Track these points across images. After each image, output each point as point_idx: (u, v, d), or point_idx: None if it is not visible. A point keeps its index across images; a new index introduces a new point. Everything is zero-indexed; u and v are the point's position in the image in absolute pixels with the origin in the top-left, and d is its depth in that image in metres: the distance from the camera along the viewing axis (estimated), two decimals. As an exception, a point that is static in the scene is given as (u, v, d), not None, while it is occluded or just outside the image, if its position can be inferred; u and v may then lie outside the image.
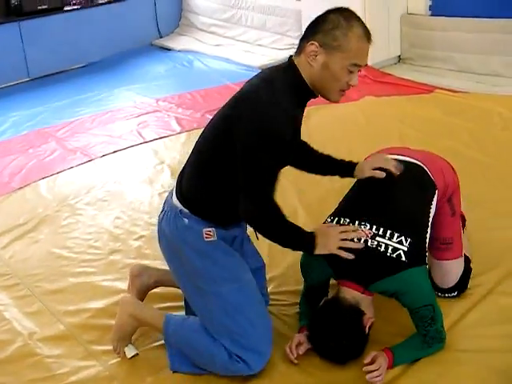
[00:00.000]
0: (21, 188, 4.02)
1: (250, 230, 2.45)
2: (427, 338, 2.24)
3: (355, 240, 2.20)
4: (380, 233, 2.23)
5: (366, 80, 5.48)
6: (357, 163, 2.47)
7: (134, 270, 2.70)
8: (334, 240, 2.18)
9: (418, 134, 4.25)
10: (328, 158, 2.53)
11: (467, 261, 2.60)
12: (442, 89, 5.13)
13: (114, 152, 4.46)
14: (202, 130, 2.34)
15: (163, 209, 2.40)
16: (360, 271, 2.21)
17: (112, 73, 6.50)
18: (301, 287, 2.60)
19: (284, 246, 2.27)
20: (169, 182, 3.92)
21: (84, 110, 5.38)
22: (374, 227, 2.24)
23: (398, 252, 2.19)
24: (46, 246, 3.33)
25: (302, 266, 2.43)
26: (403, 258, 2.18)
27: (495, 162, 3.78)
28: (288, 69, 2.18)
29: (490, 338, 2.40)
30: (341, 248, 2.17)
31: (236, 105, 2.16)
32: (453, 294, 2.54)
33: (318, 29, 2.11)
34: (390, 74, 5.66)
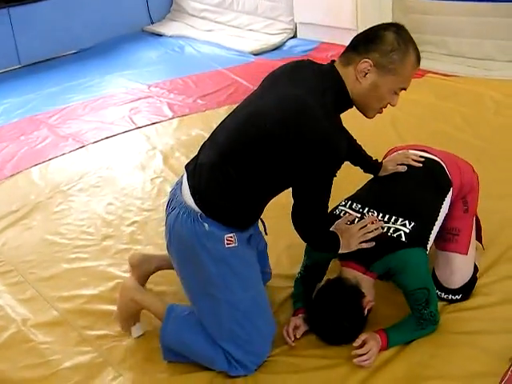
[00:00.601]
0: (13, 175, 4.01)
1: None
2: (421, 320, 2.26)
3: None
4: (385, 219, 2.31)
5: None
6: (381, 163, 2.55)
7: (134, 261, 2.68)
8: (355, 238, 2.26)
9: (411, 118, 4.25)
10: (359, 150, 2.58)
11: (475, 270, 2.58)
12: (434, 73, 5.12)
13: (106, 138, 4.45)
14: (221, 129, 2.26)
15: (173, 207, 2.25)
16: (361, 251, 2.26)
17: (103, 59, 6.45)
18: (295, 271, 2.61)
19: (314, 247, 2.36)
20: (161, 167, 3.92)
21: (76, 96, 5.35)
22: (381, 214, 2.32)
23: (398, 232, 2.25)
24: (38, 233, 3.32)
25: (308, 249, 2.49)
26: (403, 238, 2.24)
27: (488, 146, 3.78)
28: (334, 81, 2.10)
29: (481, 320, 2.41)
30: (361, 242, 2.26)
31: (286, 121, 2.02)
32: (456, 297, 2.51)
33: (374, 47, 2.06)
34: (382, 59, 5.64)
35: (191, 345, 2.28)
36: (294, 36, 6.39)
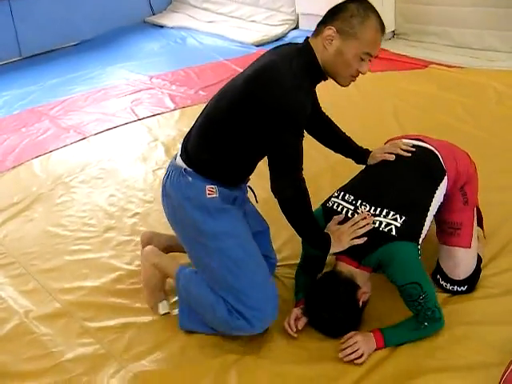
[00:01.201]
0: (14, 167, 4.00)
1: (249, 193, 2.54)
2: (419, 318, 2.24)
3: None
4: (377, 212, 2.29)
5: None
6: (371, 152, 2.57)
7: (144, 238, 2.78)
8: (346, 235, 2.27)
9: (413, 110, 4.24)
10: (347, 140, 2.64)
11: (478, 261, 2.58)
12: (436, 64, 5.11)
13: (108, 130, 4.44)
14: (213, 97, 2.38)
15: (167, 172, 2.42)
16: (353, 246, 2.26)
17: (105, 50, 6.45)
18: (296, 262, 2.61)
19: (303, 235, 2.36)
20: (163, 159, 3.91)
21: (77, 88, 5.35)
22: (373, 208, 2.31)
23: (389, 227, 2.25)
24: (40, 225, 3.32)
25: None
26: (393, 232, 2.23)
27: (490, 137, 3.78)
28: (304, 50, 2.26)
29: (484, 312, 2.41)
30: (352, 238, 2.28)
31: (257, 80, 2.18)
32: (462, 289, 2.50)
33: (336, 16, 2.21)
34: (384, 50, 5.61)
35: (196, 295, 2.35)
36: (296, 27, 6.39)
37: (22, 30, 6.33)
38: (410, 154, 2.46)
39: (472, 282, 2.51)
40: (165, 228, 3.11)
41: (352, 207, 2.34)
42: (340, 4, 2.25)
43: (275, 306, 2.31)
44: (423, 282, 2.22)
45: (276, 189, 2.22)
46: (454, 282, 2.50)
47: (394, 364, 2.20)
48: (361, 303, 2.27)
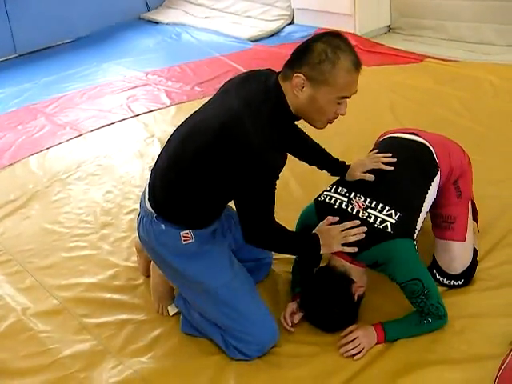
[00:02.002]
0: (11, 164, 4.00)
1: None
2: (423, 314, 2.23)
3: (349, 210, 2.27)
4: (372, 205, 2.26)
5: (356, 50, 5.42)
6: (348, 166, 2.46)
7: (138, 245, 2.70)
8: (336, 240, 2.22)
9: (409, 103, 4.24)
10: (322, 154, 2.52)
11: (474, 254, 2.58)
12: (432, 58, 5.11)
13: (104, 126, 4.43)
14: (175, 134, 2.27)
15: (139, 215, 2.35)
16: (347, 243, 2.23)
17: (100, 47, 6.43)
18: (292, 256, 2.62)
19: (293, 254, 2.45)
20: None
21: (73, 85, 5.33)
22: (368, 200, 2.28)
23: (385, 224, 2.21)
24: (37, 222, 3.31)
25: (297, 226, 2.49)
26: (389, 229, 2.20)
27: (487, 130, 3.77)
28: (274, 95, 2.08)
29: (481, 305, 2.41)
30: (344, 244, 2.23)
31: (224, 138, 2.02)
32: (459, 283, 2.50)
33: (304, 60, 2.02)
34: (380, 44, 5.63)
35: (197, 319, 2.34)
36: (292, 22, 6.36)
37: (17, 27, 6.31)
38: (392, 168, 2.38)
39: (468, 276, 2.51)
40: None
41: (345, 199, 2.31)
42: (307, 44, 2.05)
43: (273, 332, 2.30)
44: (424, 277, 2.21)
45: (250, 239, 2.18)
46: (450, 277, 2.50)
47: (393, 357, 2.20)
48: (356, 297, 2.27)
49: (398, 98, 4.34)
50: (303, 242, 2.27)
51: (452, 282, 2.50)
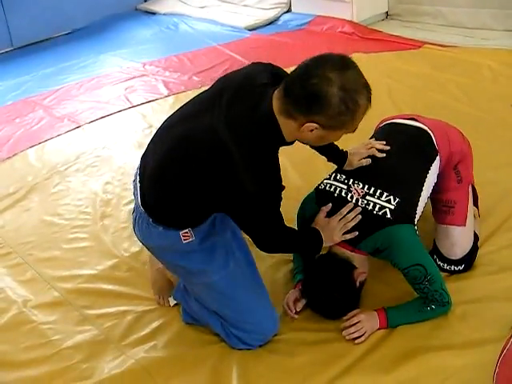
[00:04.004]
0: (9, 157, 3.98)
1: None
2: (427, 301, 2.23)
3: (349, 198, 2.27)
4: (371, 192, 2.26)
5: (353, 37, 5.46)
6: (347, 153, 2.41)
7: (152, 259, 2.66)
8: (336, 231, 2.23)
9: (408, 90, 4.23)
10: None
11: (475, 239, 2.58)
12: (430, 44, 5.09)
13: (102, 118, 4.41)
14: (167, 120, 2.23)
15: (134, 211, 2.30)
16: (347, 232, 2.24)
17: (97, 39, 6.40)
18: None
19: (298, 252, 2.49)
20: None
21: (70, 77, 5.30)
22: (366, 186, 2.27)
23: (384, 210, 2.21)
24: (37, 214, 3.31)
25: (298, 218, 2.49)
26: (388, 216, 2.19)
27: (486, 115, 3.77)
28: (266, 127, 1.95)
29: (482, 289, 2.42)
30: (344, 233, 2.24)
31: (209, 161, 1.94)
32: (459, 268, 2.49)
33: (318, 110, 1.86)
34: (377, 31, 5.61)
35: (197, 310, 2.35)
36: (289, 10, 6.33)
37: (13, 20, 6.27)
38: (384, 154, 2.37)
39: (469, 261, 2.51)
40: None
41: (345, 186, 2.31)
42: (318, 89, 1.84)
43: (274, 321, 2.30)
44: (426, 263, 2.20)
45: (263, 249, 2.18)
46: (450, 262, 2.49)
47: (394, 344, 2.21)
48: (358, 283, 2.27)
49: (397, 85, 4.32)
50: (306, 239, 2.27)
51: (453, 268, 2.49)
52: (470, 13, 5.38)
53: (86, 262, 2.87)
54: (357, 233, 2.22)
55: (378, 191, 2.25)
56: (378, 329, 2.25)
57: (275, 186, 2.01)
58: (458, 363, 2.10)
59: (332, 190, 2.32)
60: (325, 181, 2.39)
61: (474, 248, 2.54)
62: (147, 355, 2.30)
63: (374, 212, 2.21)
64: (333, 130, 1.94)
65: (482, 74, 4.40)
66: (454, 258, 2.49)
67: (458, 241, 2.50)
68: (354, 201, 2.25)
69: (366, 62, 4.85)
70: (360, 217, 2.21)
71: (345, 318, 2.26)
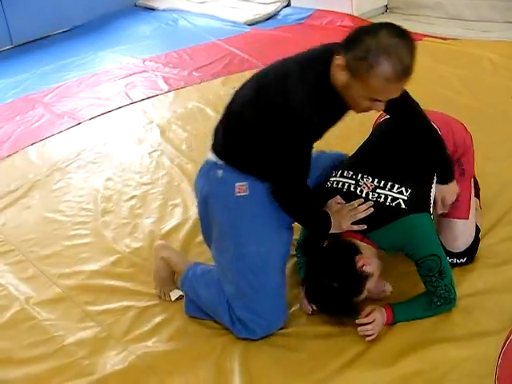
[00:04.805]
0: (10, 155, 3.98)
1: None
2: (435, 296, 2.22)
3: (358, 192, 2.26)
4: (381, 185, 2.25)
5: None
6: None
7: (158, 249, 2.66)
8: (346, 219, 2.21)
9: (408, 82, 4.20)
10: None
11: (477, 231, 2.58)
12: (431, 36, 5.08)
13: (102, 114, 4.41)
14: (244, 84, 2.28)
15: (201, 166, 2.39)
16: (358, 221, 2.21)
17: (97, 35, 6.39)
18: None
19: (300, 223, 2.36)
20: (158, 141, 3.91)
21: (70, 74, 5.30)
22: (376, 180, 2.26)
23: (397, 201, 2.20)
24: (38, 211, 3.31)
25: None
26: (403, 206, 2.19)
27: (486, 108, 3.76)
28: (319, 63, 2.07)
29: (484, 282, 2.42)
30: (353, 222, 2.22)
31: (277, 87, 2.07)
32: (461, 261, 2.49)
33: (352, 47, 1.95)
34: (378, 24, 5.59)
35: (203, 298, 2.35)
36: (288, 4, 6.32)
37: (13, 17, 6.26)
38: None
39: (471, 253, 2.51)
40: (161, 210, 3.13)
41: (353, 181, 2.28)
42: (365, 29, 1.98)
43: (283, 314, 2.31)
44: (442, 255, 2.20)
45: (275, 194, 2.20)
46: (452, 255, 2.49)
47: (397, 336, 2.21)
48: (361, 271, 2.17)
49: (397, 78, 4.31)
50: (316, 215, 2.25)
51: (455, 260, 2.49)
52: (470, 5, 5.38)
53: (88, 258, 2.87)
54: (365, 226, 2.20)
55: (389, 183, 2.24)
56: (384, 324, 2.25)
57: (314, 117, 2.04)
58: (460, 356, 2.11)
59: (340, 186, 2.30)
60: (331, 179, 2.36)
61: (476, 240, 2.54)
62: (149, 351, 2.30)
63: (387, 203, 2.20)
64: (353, 76, 1.95)
65: (482, 67, 4.40)
66: (456, 250, 2.49)
67: (460, 234, 2.49)
68: (363, 195, 2.24)
69: (366, 56, 4.86)
70: (372, 209, 2.20)
71: (363, 313, 2.21)
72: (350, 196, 2.26)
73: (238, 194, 2.20)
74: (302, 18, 5.96)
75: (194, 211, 2.83)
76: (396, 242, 2.22)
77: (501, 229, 2.70)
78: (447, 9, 5.52)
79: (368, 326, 2.18)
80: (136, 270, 2.74)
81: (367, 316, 2.20)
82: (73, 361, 2.30)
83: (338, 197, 2.28)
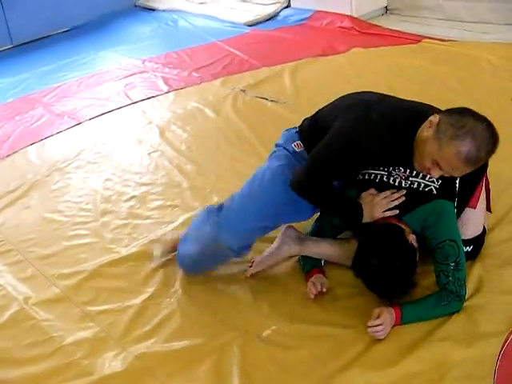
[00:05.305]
0: (9, 155, 3.98)
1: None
2: (445, 290, 2.23)
3: (391, 181, 2.38)
4: (413, 174, 2.37)
5: (353, 32, 5.45)
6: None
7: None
8: (379, 206, 2.34)
9: (408, 84, 4.22)
10: None
11: (483, 231, 2.59)
12: (430, 38, 5.09)
13: (102, 114, 4.42)
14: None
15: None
16: (394, 207, 2.32)
17: (97, 35, 6.41)
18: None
19: (334, 214, 2.49)
20: (158, 141, 3.90)
21: (70, 74, 5.31)
22: (408, 170, 2.38)
23: (429, 187, 2.34)
24: (37, 211, 3.31)
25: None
26: (434, 192, 2.32)
27: (485, 109, 3.70)
28: (416, 117, 2.26)
29: (486, 281, 2.43)
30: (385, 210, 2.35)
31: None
32: (467, 249, 2.49)
33: (453, 114, 2.14)
34: (377, 26, 5.61)
35: (190, 231, 2.63)
36: (288, 5, 6.34)
37: (13, 17, 6.27)
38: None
39: (477, 245, 2.53)
40: (160, 211, 3.13)
41: (385, 173, 2.39)
42: (469, 110, 2.17)
43: (234, 239, 2.47)
44: (460, 245, 2.27)
45: (293, 182, 2.37)
46: None
47: (398, 336, 2.22)
48: (412, 244, 2.25)
49: (396, 79, 4.32)
50: (347, 206, 2.38)
51: None
52: (469, 7, 5.38)
53: (87, 258, 2.86)
54: (397, 211, 2.31)
55: (421, 173, 2.34)
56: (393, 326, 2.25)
57: (370, 145, 2.24)
58: (460, 356, 2.11)
59: (372, 177, 2.41)
60: (362, 171, 2.45)
61: (482, 235, 2.56)
62: (148, 351, 2.30)
63: (420, 189, 2.33)
64: (436, 135, 2.11)
65: (481, 68, 4.41)
66: (463, 237, 2.49)
67: (468, 221, 2.51)
68: (397, 183, 2.36)
69: (366, 57, 4.87)
70: (403, 198, 2.31)
71: (372, 318, 2.21)
72: (382, 186, 2.38)
73: (294, 149, 2.51)
74: (302, 19, 5.97)
75: (193, 212, 2.83)
76: (423, 222, 2.31)
77: (502, 229, 2.71)
78: (446, 10, 5.53)
79: (378, 328, 2.19)
80: (135, 271, 2.73)
81: (377, 318, 2.21)
82: (72, 361, 2.30)
83: (372, 189, 2.38)
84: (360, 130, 2.25)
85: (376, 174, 2.41)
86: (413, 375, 2.07)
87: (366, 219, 2.34)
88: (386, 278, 2.23)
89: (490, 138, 2.11)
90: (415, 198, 2.33)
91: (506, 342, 2.04)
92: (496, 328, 2.18)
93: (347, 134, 2.26)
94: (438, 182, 2.34)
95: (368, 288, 2.32)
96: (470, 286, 2.39)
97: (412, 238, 2.27)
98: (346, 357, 2.16)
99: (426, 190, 2.33)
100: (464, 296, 2.27)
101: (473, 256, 2.51)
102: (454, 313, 2.27)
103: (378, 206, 2.33)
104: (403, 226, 2.29)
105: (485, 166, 2.49)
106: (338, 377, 2.10)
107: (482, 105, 3.78)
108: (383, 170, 2.41)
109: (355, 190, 2.42)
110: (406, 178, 2.37)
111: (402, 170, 2.38)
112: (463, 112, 2.14)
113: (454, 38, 5.05)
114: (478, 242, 2.53)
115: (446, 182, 2.35)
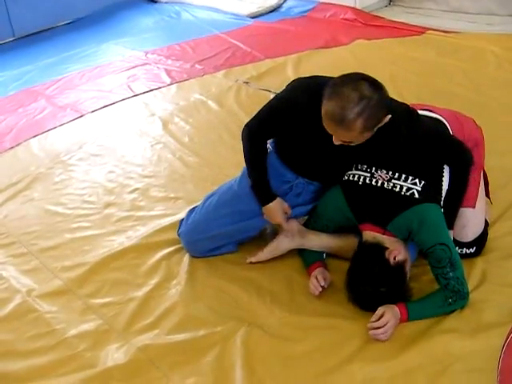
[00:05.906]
0: (12, 147, 3.97)
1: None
2: (448, 291, 2.22)
3: (373, 183, 2.36)
4: (395, 176, 2.34)
5: (356, 24, 5.43)
6: None
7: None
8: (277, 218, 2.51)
9: (412, 76, 4.21)
10: None
11: (486, 225, 2.58)
12: (434, 30, 5.07)
13: (105, 107, 4.40)
14: None
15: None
16: (377, 212, 2.32)
17: (99, 28, 6.38)
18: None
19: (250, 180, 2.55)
20: (160, 133, 3.90)
21: (72, 66, 5.29)
22: (391, 172, 2.36)
23: (411, 191, 2.30)
24: (40, 204, 3.31)
25: (317, 215, 2.56)
26: (416, 196, 2.29)
27: (490, 101, 3.75)
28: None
29: (488, 274, 2.44)
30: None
31: None
32: (471, 251, 2.50)
33: (338, 77, 2.19)
34: (380, 17, 5.58)
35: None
36: (291, -4, 6.32)
37: (15, 10, 6.24)
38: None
39: (480, 244, 2.52)
40: (163, 203, 3.13)
41: (368, 174, 2.38)
42: (356, 74, 2.18)
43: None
44: (451, 246, 2.24)
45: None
46: (462, 245, 2.50)
47: (400, 329, 2.22)
48: (394, 262, 2.24)
49: (400, 71, 4.31)
50: (261, 186, 2.50)
51: (464, 250, 2.50)
52: (473, -2, 5.37)
53: (90, 250, 2.86)
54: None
55: (403, 175, 2.33)
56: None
57: (302, 102, 2.30)
58: (463, 349, 2.11)
59: (356, 179, 2.40)
60: (347, 172, 2.45)
61: (485, 232, 2.55)
62: (151, 343, 2.30)
63: (402, 193, 2.30)
64: None
65: (485, 60, 4.39)
66: (465, 240, 2.51)
67: (468, 222, 2.51)
68: (379, 185, 2.33)
69: (369, 49, 4.86)
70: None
71: (374, 316, 2.20)
72: (365, 188, 2.36)
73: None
74: (305, 11, 5.95)
75: (196, 204, 2.83)
76: (408, 229, 2.28)
77: (504, 222, 2.71)
78: (450, 2, 5.51)
79: (379, 330, 2.18)
80: (137, 263, 2.73)
81: (379, 319, 2.19)
82: (75, 353, 2.30)
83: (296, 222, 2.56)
84: (293, 88, 2.38)
85: (359, 175, 2.39)
86: (415, 368, 2.08)
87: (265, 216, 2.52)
88: (376, 301, 2.24)
89: (360, 99, 2.07)
90: (397, 204, 2.30)
91: (509, 333, 2.03)
92: (499, 320, 2.18)
93: (283, 92, 2.41)
94: (420, 183, 2.32)
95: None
96: (473, 279, 2.40)
97: (394, 254, 2.25)
98: (348, 349, 2.17)
99: (408, 194, 2.30)
100: (467, 293, 2.26)
101: (477, 254, 2.51)
102: (463, 306, 2.27)
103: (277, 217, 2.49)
104: (386, 242, 2.29)
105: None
106: (340, 370, 2.10)
107: (486, 96, 3.79)
108: (366, 171, 2.39)
109: (342, 195, 2.41)
110: (389, 180, 2.34)
111: (385, 171, 2.37)
112: (350, 74, 2.15)
113: (458, 30, 5.04)
114: (481, 241, 2.53)
115: (429, 182, 2.33)
